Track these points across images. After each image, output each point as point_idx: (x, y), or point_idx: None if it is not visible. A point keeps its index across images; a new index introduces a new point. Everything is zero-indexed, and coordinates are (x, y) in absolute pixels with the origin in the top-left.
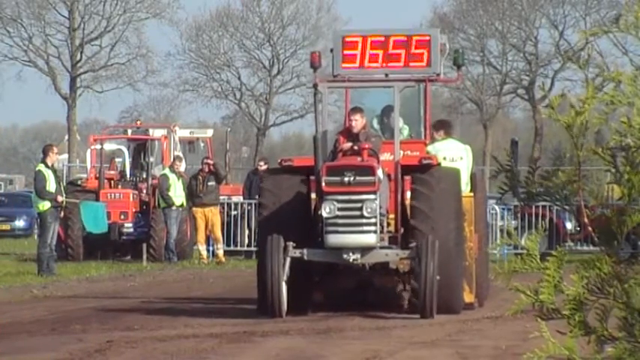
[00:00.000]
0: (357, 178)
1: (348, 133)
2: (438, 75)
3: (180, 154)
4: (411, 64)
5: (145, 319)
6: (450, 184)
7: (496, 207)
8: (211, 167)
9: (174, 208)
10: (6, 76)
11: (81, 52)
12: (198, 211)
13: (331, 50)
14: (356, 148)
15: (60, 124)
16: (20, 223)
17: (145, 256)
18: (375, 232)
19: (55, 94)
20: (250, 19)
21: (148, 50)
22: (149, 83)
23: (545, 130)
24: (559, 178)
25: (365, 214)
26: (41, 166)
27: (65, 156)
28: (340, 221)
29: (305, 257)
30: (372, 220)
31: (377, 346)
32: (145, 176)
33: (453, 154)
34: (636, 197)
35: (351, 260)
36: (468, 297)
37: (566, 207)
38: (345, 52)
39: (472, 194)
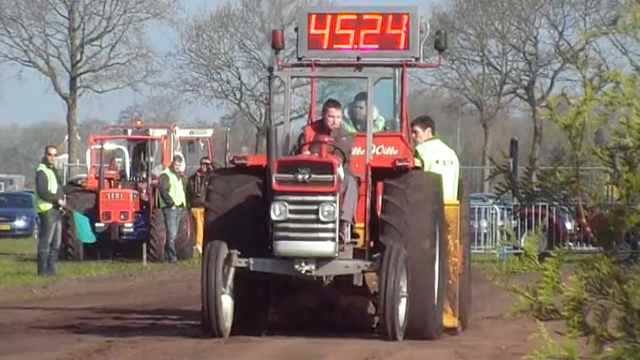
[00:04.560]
0: (313, 175)
1: (319, 127)
2: (417, 59)
3: (180, 154)
4: (387, 46)
5: (144, 318)
6: (429, 193)
7: (496, 207)
8: (210, 167)
9: (174, 208)
10: (6, 76)
11: (81, 52)
12: (197, 212)
13: (296, 29)
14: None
15: (60, 124)
16: (20, 223)
17: (144, 256)
18: (332, 239)
19: (55, 94)
20: (250, 19)
21: (148, 50)
22: (149, 83)
23: (545, 130)
24: (557, 178)
25: (321, 217)
26: (42, 167)
27: (65, 156)
28: (292, 226)
29: (251, 268)
30: (330, 226)
31: (375, 345)
32: (144, 176)
33: (445, 156)
34: (634, 197)
35: (304, 272)
36: (450, 320)
37: (564, 207)
38: (312, 31)
39: (458, 203)
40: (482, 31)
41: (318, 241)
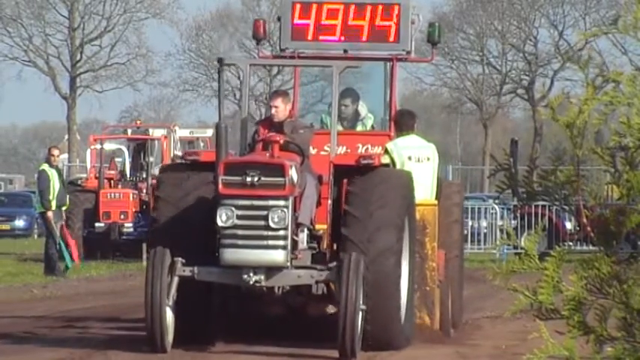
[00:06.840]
0: (263, 178)
1: (270, 122)
2: (409, 53)
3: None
4: (376, 38)
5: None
6: (395, 192)
7: (495, 206)
8: None
9: None
10: (6, 76)
11: (81, 52)
12: None
13: (278, 19)
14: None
15: (60, 124)
16: (20, 223)
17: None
18: (284, 247)
19: (55, 94)
20: (250, 18)
21: (148, 50)
22: (149, 83)
23: (545, 129)
24: (558, 177)
25: (271, 224)
26: (45, 166)
27: (65, 156)
28: (240, 233)
29: (196, 277)
30: (281, 233)
31: None
32: (144, 176)
33: (419, 153)
34: (635, 197)
35: (252, 282)
36: (428, 330)
37: (565, 207)
38: (296, 21)
39: (436, 203)
40: (482, 31)
41: (268, 249)
